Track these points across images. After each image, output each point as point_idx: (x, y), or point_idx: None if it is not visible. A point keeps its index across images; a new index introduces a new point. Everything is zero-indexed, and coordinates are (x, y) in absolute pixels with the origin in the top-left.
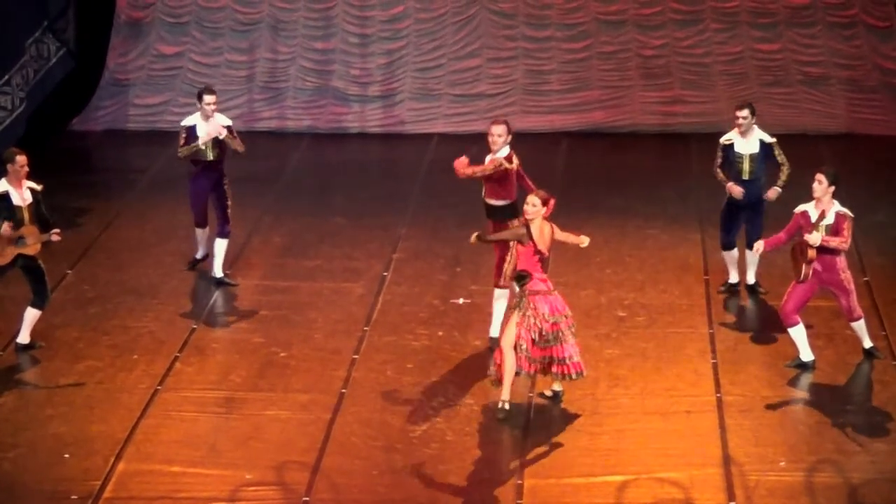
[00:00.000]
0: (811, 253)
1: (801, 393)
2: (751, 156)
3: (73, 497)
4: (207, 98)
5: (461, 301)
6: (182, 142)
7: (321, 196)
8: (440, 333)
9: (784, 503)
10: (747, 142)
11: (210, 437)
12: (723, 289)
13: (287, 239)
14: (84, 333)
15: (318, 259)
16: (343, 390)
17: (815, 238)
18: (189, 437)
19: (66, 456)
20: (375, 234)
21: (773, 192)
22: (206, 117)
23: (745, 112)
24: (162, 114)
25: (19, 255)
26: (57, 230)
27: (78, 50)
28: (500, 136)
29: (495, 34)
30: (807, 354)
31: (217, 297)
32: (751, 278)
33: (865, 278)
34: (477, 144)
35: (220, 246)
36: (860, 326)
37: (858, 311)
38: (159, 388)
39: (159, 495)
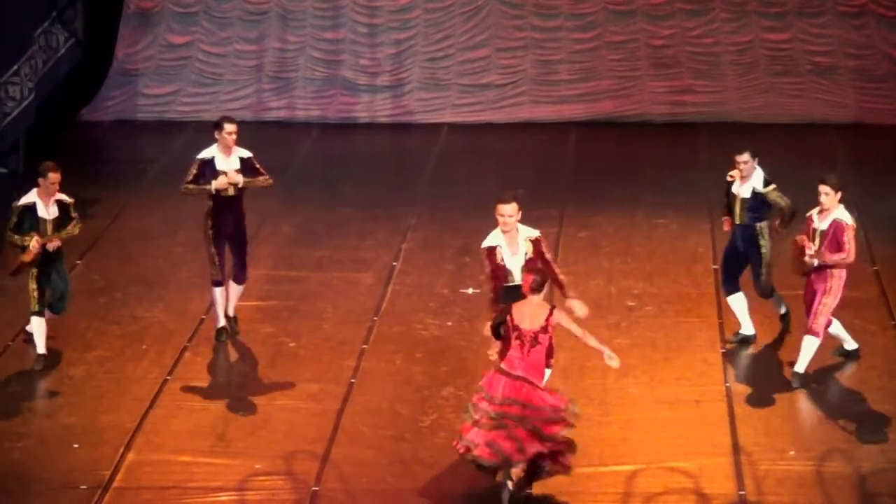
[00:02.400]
0: (808, 264)
1: (810, 382)
2: (742, 200)
3: (82, 486)
4: (228, 127)
5: (470, 291)
6: (191, 176)
7: (330, 186)
8: (449, 323)
9: (793, 493)
10: (743, 186)
11: (219, 426)
12: (733, 339)
13: (296, 229)
14: (93, 323)
15: (327, 249)
16: (352, 380)
17: (813, 263)
18: (198, 427)
19: (76, 446)
20: (384, 224)
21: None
22: (227, 148)
23: (745, 157)
24: (171, 104)
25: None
26: (56, 241)
27: (87, 40)
28: (511, 216)
29: (504, 24)
30: (809, 357)
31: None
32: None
33: (875, 268)
34: (485, 135)
35: (236, 291)
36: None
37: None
38: (168, 378)
39: (169, 485)
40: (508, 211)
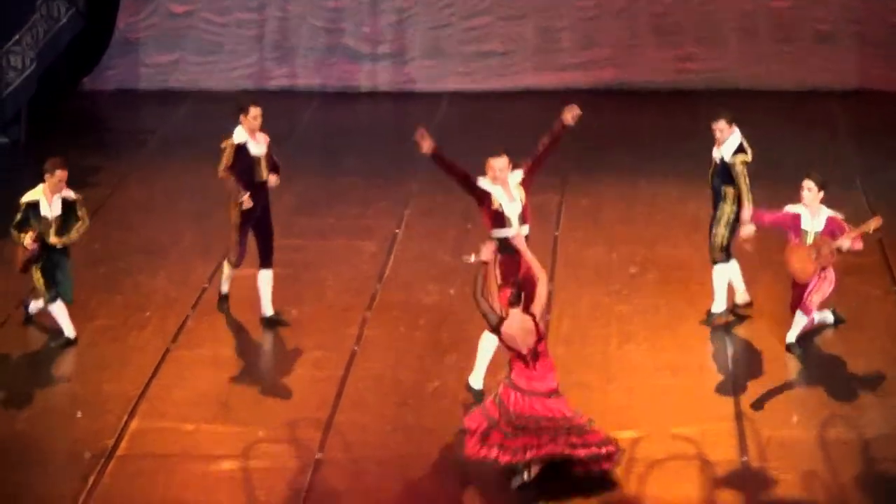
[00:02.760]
0: (832, 258)
1: (813, 348)
2: (714, 164)
3: (86, 455)
4: (254, 111)
5: (472, 258)
6: (230, 162)
7: (332, 154)
8: (451, 290)
9: (796, 458)
10: (718, 150)
11: (222, 394)
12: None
13: (298, 197)
14: (96, 293)
15: (330, 217)
16: (355, 347)
17: (846, 242)
18: (202, 395)
19: (79, 414)
20: (387, 192)
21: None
22: (252, 132)
23: (721, 124)
24: (172, 73)
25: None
26: (32, 235)
27: (88, 9)
28: (502, 170)
29: None
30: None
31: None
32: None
33: (878, 236)
34: (487, 103)
35: (268, 279)
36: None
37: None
38: (171, 346)
39: (172, 452)
40: (500, 165)
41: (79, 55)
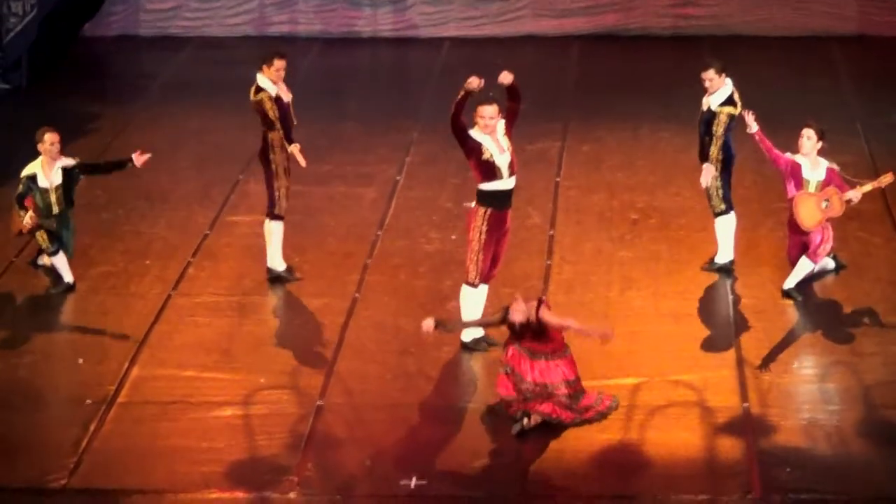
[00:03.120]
0: (842, 209)
1: (814, 295)
2: (701, 112)
3: (87, 401)
4: (278, 63)
5: (473, 204)
6: (275, 113)
7: (333, 101)
8: (453, 237)
9: (797, 405)
10: (707, 98)
11: (223, 341)
12: (708, 266)
13: (299, 144)
14: (96, 240)
15: (331, 164)
16: (356, 294)
17: (857, 195)
18: (202, 342)
19: (81, 361)
20: (387, 139)
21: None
22: (275, 83)
23: (710, 73)
24: (173, 19)
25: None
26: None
27: None
28: (492, 118)
29: None
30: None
31: (230, 201)
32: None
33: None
34: (487, 49)
35: (269, 230)
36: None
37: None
38: (172, 293)
39: (173, 399)
40: (490, 113)
41: (80, 1)
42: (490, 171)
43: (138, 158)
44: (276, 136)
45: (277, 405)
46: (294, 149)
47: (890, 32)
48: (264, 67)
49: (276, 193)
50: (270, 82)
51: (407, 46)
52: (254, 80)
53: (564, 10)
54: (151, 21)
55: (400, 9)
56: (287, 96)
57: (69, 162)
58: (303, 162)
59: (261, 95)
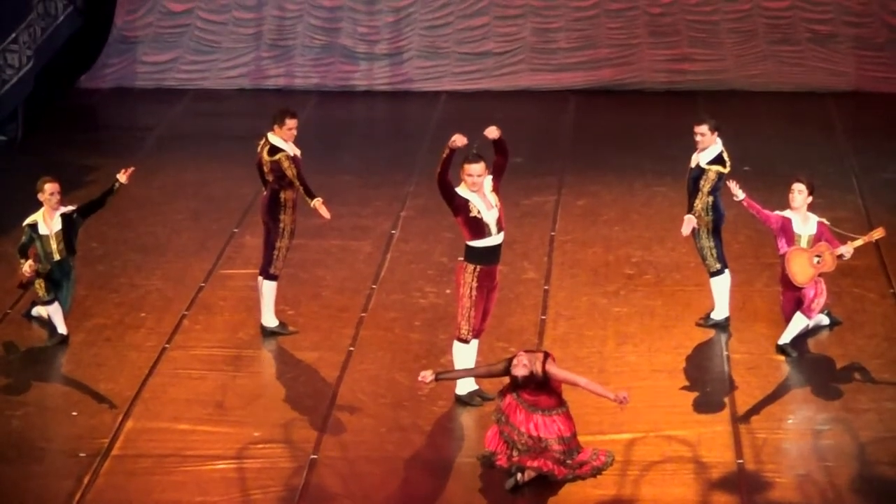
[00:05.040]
0: (834, 264)
1: (808, 351)
2: (690, 169)
3: (81, 454)
4: (290, 122)
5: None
6: (294, 171)
7: (329, 154)
8: (448, 291)
9: (792, 461)
10: (696, 156)
11: (218, 394)
12: (704, 322)
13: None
14: (92, 291)
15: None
16: (351, 348)
17: (849, 250)
18: (197, 395)
19: (74, 413)
20: (383, 192)
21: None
22: (286, 141)
23: (703, 129)
24: (169, 71)
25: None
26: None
27: (85, 7)
28: (479, 175)
29: None
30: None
31: (225, 254)
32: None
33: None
34: (484, 103)
35: (263, 289)
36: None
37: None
38: (167, 345)
39: (167, 452)
40: (477, 170)
41: (76, 53)
42: (478, 228)
43: (123, 175)
44: (289, 195)
45: (271, 458)
46: (317, 203)
47: (886, 88)
48: (276, 127)
49: (276, 253)
50: (283, 141)
51: (403, 100)
52: (251, 132)
53: (561, 64)
54: (148, 73)
55: (396, 62)
56: (296, 152)
57: (69, 209)
58: (327, 214)
59: (279, 156)
